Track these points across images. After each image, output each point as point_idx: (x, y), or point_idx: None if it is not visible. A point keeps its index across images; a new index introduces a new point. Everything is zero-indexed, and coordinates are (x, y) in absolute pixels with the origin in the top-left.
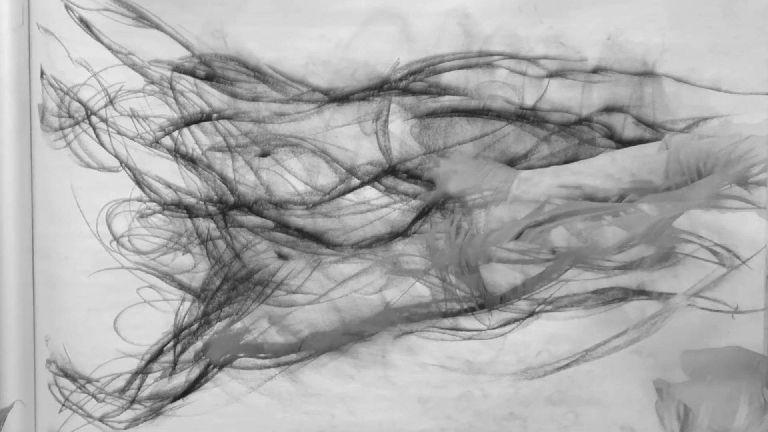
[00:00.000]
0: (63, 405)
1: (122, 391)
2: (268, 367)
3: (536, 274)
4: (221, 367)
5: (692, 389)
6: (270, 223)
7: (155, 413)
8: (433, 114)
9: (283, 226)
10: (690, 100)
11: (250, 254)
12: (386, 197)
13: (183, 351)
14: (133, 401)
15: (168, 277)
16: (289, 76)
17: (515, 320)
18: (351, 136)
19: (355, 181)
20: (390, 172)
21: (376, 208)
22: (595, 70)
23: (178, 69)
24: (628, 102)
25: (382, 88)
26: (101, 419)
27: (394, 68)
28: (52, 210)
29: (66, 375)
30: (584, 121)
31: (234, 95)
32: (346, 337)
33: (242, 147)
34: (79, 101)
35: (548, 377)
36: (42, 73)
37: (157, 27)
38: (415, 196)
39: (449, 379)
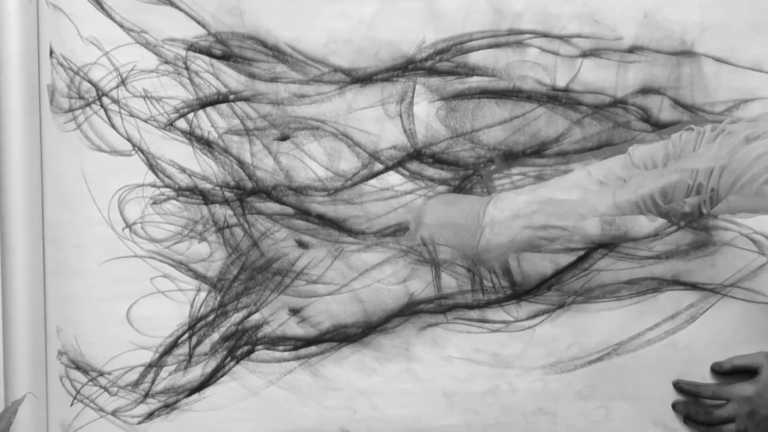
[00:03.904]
0: (74, 398)
1: (135, 384)
2: (288, 360)
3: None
4: (238, 360)
5: None
6: (289, 210)
7: (170, 408)
8: (461, 96)
9: (303, 213)
10: (730, 81)
11: (269, 242)
12: (411, 183)
13: (199, 343)
14: (146, 395)
15: (183, 266)
16: (309, 55)
17: (545, 312)
18: (374, 118)
19: (379, 166)
20: (415, 157)
21: (400, 195)
22: (631, 50)
23: (193, 48)
24: (665, 83)
25: (406, 68)
26: (114, 413)
27: (419, 47)
28: (62, 195)
29: (77, 367)
30: (619, 103)
31: (252, 76)
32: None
33: (260, 130)
34: (90, 81)
35: (578, 371)
36: (51, 52)
37: (171, 3)
38: (441, 182)
39: (476, 372)
